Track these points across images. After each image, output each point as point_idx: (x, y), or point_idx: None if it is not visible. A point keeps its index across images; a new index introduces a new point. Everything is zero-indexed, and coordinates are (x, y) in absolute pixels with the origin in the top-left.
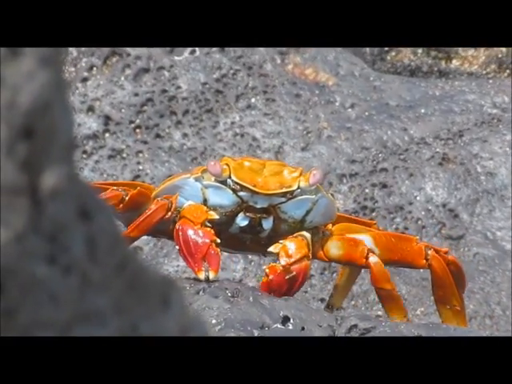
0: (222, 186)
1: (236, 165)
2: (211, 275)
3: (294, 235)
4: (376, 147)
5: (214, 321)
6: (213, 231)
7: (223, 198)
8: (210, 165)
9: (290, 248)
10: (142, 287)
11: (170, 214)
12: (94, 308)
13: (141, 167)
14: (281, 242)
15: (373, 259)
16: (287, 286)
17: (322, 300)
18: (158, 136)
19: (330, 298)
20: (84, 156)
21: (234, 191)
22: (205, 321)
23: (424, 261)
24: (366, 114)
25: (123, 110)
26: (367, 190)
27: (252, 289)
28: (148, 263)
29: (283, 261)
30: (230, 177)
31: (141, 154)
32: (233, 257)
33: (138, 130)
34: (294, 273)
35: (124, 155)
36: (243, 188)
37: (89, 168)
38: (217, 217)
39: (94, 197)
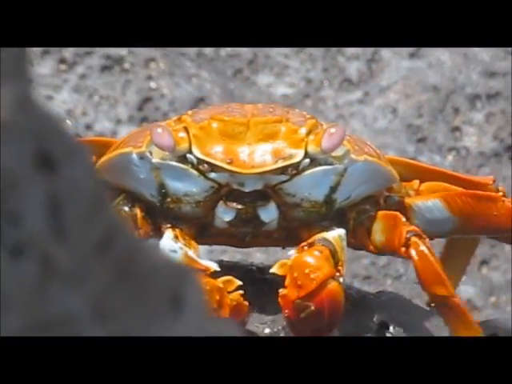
0: (182, 166)
1: (199, 129)
2: None
3: (311, 241)
4: None
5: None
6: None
7: (187, 184)
8: (156, 133)
9: (299, 269)
10: (139, 279)
11: None
12: (61, 311)
13: (153, 85)
14: (289, 253)
15: (415, 249)
16: (312, 323)
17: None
18: None
19: None
20: (62, 67)
21: (201, 172)
22: (235, 331)
23: None
24: None
25: None
26: None
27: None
28: (149, 241)
29: (292, 293)
30: (190, 151)
31: (153, 64)
32: None
33: None
34: (312, 308)
35: (126, 65)
36: (214, 167)
37: (70, 87)
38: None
39: (62, 135)
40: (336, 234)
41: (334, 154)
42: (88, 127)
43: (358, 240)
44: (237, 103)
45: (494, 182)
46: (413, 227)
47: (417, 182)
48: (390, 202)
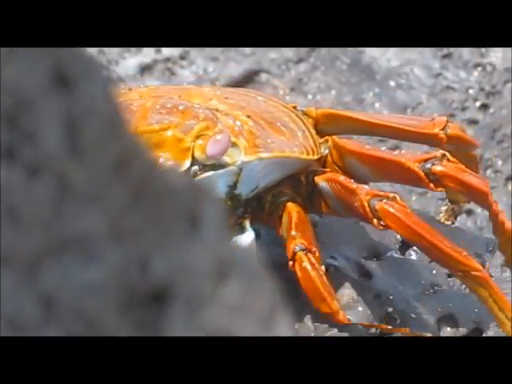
0: None
1: None
2: None
3: None
4: None
5: None
6: None
7: None
8: None
9: None
10: (157, 199)
11: None
12: (78, 232)
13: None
14: None
15: (299, 265)
16: None
17: (469, 212)
18: None
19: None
20: None
21: None
22: (254, 257)
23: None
24: None
25: None
26: None
27: None
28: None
29: None
30: None
31: None
32: None
33: None
34: None
35: None
36: None
37: None
38: None
39: (79, 54)
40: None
41: (224, 157)
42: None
43: (271, 224)
44: (142, 94)
45: (444, 127)
46: (302, 240)
47: (329, 139)
48: (309, 179)
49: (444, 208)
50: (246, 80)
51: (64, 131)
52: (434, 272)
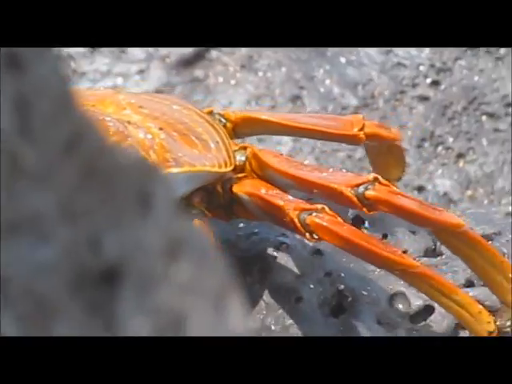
0: None
1: None
2: None
3: None
4: None
5: None
6: None
7: None
8: None
9: None
10: (107, 177)
11: None
12: (28, 212)
13: None
14: None
15: None
16: None
17: (420, 189)
18: None
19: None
20: None
21: None
22: (205, 234)
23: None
24: None
25: None
26: None
27: None
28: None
29: None
30: None
31: None
32: None
33: None
34: None
35: None
36: None
37: None
38: None
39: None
40: None
41: None
42: None
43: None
44: None
45: (362, 126)
46: None
47: (248, 148)
48: (226, 188)
49: None
50: (197, 58)
51: (14, 111)
52: None
